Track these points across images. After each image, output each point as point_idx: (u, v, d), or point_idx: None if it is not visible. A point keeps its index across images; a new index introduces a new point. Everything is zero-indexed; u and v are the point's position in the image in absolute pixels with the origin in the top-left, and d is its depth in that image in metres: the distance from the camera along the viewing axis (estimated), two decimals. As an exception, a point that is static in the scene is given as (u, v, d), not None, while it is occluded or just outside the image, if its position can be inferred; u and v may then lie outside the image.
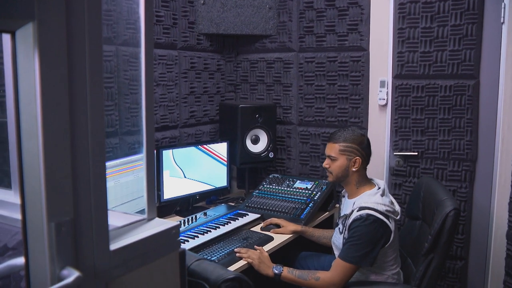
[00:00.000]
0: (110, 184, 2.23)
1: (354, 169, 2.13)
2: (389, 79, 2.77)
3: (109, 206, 2.22)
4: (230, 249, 2.20)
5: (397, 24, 2.69)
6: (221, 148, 2.90)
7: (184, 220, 2.47)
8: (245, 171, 3.10)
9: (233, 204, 2.89)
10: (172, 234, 1.02)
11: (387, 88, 2.76)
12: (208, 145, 2.84)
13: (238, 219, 2.55)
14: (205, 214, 2.61)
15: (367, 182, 2.19)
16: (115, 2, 2.34)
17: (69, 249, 0.79)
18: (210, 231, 2.37)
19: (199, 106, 3.04)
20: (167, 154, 2.62)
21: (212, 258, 2.10)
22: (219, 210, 2.73)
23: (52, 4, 0.75)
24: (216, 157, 2.87)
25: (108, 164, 2.21)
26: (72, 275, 0.76)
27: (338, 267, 1.99)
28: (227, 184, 2.96)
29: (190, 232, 2.35)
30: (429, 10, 2.60)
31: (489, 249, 2.63)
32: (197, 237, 2.29)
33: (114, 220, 0.98)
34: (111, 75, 2.40)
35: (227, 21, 3.00)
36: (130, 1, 0.99)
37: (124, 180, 2.30)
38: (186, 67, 2.91)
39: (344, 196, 2.30)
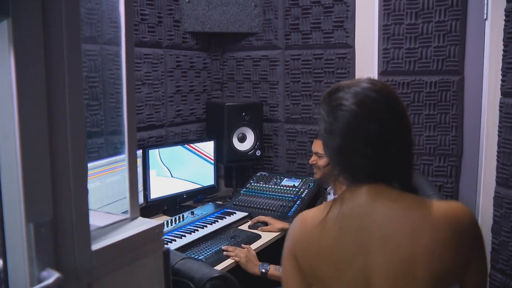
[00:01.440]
0: (95, 184, 2.21)
1: None
2: (375, 75, 2.77)
3: (95, 206, 2.20)
4: (218, 248, 2.19)
5: (382, 20, 2.70)
6: (208, 147, 2.89)
7: (172, 220, 2.46)
8: (232, 169, 3.09)
9: (220, 202, 2.88)
10: (155, 233, 1.01)
11: (373, 85, 2.77)
12: (195, 144, 2.83)
13: (225, 218, 2.55)
14: (192, 213, 2.60)
15: None
16: (98, 0, 2.32)
17: (49, 250, 0.78)
18: (197, 230, 2.36)
19: (185, 105, 3.03)
20: (154, 154, 2.60)
21: (200, 257, 2.10)
22: (207, 209, 2.72)
23: (27, 1, 0.74)
24: (203, 156, 2.86)
25: (93, 164, 2.20)
26: (52, 276, 0.75)
27: None
28: (215, 182, 2.95)
29: (178, 231, 2.34)
30: (414, 6, 2.61)
31: (475, 243, 2.65)
32: (184, 236, 2.28)
33: (96, 220, 0.96)
34: (95, 74, 2.38)
35: (213, 19, 2.98)
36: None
37: (109, 180, 2.28)
38: (172, 65, 2.90)
39: (329, 194, 2.31)
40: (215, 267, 2.03)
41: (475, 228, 0.98)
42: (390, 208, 0.95)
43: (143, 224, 1.01)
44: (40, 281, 0.75)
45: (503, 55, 2.34)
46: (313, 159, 2.21)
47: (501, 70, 2.36)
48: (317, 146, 2.19)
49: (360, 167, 0.99)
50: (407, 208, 0.95)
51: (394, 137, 0.99)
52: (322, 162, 2.15)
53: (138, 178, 1.06)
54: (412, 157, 1.05)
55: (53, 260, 0.79)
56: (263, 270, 2.04)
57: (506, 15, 2.30)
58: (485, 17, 2.50)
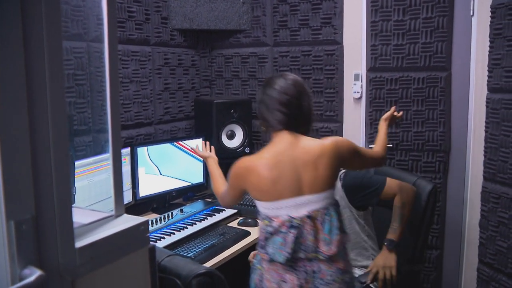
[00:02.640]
0: (83, 182, 2.19)
1: None
2: (363, 72, 2.78)
3: (83, 205, 2.19)
4: (207, 245, 2.19)
5: (370, 17, 2.71)
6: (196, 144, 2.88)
7: (161, 217, 2.45)
8: (221, 166, 3.07)
9: (210, 200, 2.87)
10: (140, 230, 1.00)
11: (361, 81, 2.78)
12: (183, 141, 2.82)
13: (215, 215, 2.54)
14: (181, 210, 2.59)
15: None
16: (84, -3, 2.30)
17: (31, 248, 0.77)
18: (186, 228, 2.36)
19: (174, 103, 3.01)
20: (142, 151, 2.59)
21: (189, 255, 2.09)
22: (196, 206, 2.71)
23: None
24: (192, 153, 2.85)
25: (81, 162, 2.18)
26: (34, 274, 0.74)
27: (392, 185, 2.09)
28: (204, 180, 2.95)
29: (167, 229, 2.33)
30: (401, 3, 2.62)
31: (463, 238, 2.67)
32: (174, 234, 2.27)
33: (81, 217, 0.96)
34: (82, 72, 2.35)
35: (201, 16, 2.97)
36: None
37: (97, 178, 2.27)
38: (160, 63, 2.88)
39: None
40: (204, 264, 2.03)
41: (348, 145, 1.73)
42: (303, 146, 1.64)
43: (128, 221, 1.00)
44: (21, 279, 0.74)
45: (489, 51, 2.36)
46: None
47: (488, 66, 2.38)
48: None
49: (281, 119, 1.68)
50: (311, 146, 1.65)
51: (299, 103, 1.70)
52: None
53: (124, 175, 1.05)
54: (311, 116, 1.76)
55: (36, 257, 0.78)
56: (392, 246, 2.05)
57: (492, 12, 2.32)
58: (471, 14, 2.52)
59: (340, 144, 1.70)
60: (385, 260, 2.02)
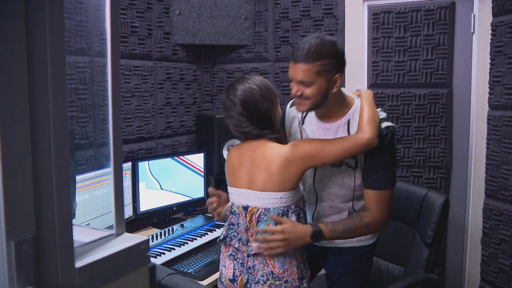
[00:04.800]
0: (84, 197, 2.19)
1: (335, 90, 1.67)
2: (364, 88, 2.79)
3: (84, 219, 2.18)
4: (207, 261, 2.18)
5: (371, 33, 2.72)
6: (198, 159, 2.88)
7: (161, 232, 2.44)
8: (222, 181, 3.07)
9: (210, 215, 2.86)
10: (141, 249, 0.99)
11: (363, 97, 2.78)
12: (184, 156, 2.82)
13: (215, 230, 2.53)
14: (182, 226, 2.58)
15: (344, 94, 1.78)
16: (88, 13, 2.32)
17: (31, 268, 0.77)
18: (187, 243, 2.35)
19: (175, 117, 3.02)
20: (143, 166, 2.59)
21: (189, 271, 2.08)
22: (197, 221, 2.70)
23: (9, 13, 0.73)
24: (193, 168, 2.85)
25: (82, 176, 2.18)
26: (33, 295, 0.73)
27: (381, 200, 1.70)
28: (204, 195, 2.94)
29: (167, 244, 2.32)
30: (402, 20, 2.64)
31: (465, 255, 2.66)
32: (174, 249, 2.26)
33: (81, 236, 0.95)
34: (85, 86, 2.36)
35: (203, 32, 2.99)
36: (103, 11, 0.97)
37: (99, 193, 2.27)
38: (162, 77, 2.89)
39: (302, 123, 1.88)
40: (204, 281, 2.02)
41: (300, 155, 1.61)
42: (261, 150, 1.64)
43: (128, 240, 0.99)
44: (21, 300, 0.74)
45: (490, 69, 2.37)
46: (296, 89, 1.67)
47: (489, 83, 2.38)
48: (302, 72, 1.63)
49: (247, 131, 1.66)
50: (269, 149, 1.63)
51: (265, 113, 1.64)
52: (312, 90, 1.64)
53: (124, 190, 1.05)
54: (271, 119, 1.68)
55: (35, 278, 0.78)
56: (315, 238, 1.67)
57: (492, 29, 2.33)
58: (472, 31, 2.53)
59: (296, 151, 1.60)
60: (295, 233, 1.63)
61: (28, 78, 0.77)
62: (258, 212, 1.64)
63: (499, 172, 2.31)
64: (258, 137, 1.67)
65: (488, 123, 2.39)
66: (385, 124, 1.67)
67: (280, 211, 1.63)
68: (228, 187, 1.76)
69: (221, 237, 1.72)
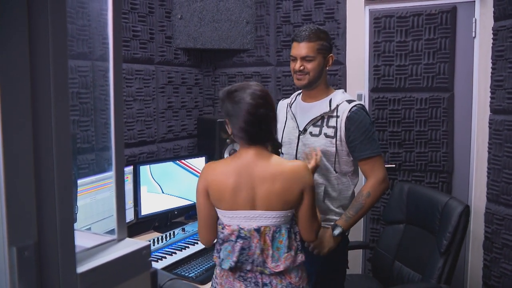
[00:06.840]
0: (86, 201, 2.19)
1: (327, 68, 2.06)
2: (366, 92, 2.79)
3: (86, 223, 2.18)
4: (208, 265, 2.18)
5: (373, 38, 2.73)
6: (199, 163, 2.88)
7: (162, 236, 2.44)
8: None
9: (212, 219, 2.86)
10: (143, 255, 0.99)
11: (364, 102, 2.78)
12: (186, 160, 2.82)
13: (216, 235, 2.53)
14: (183, 229, 2.58)
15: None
16: (90, 17, 2.33)
17: (33, 274, 0.76)
18: (188, 247, 2.34)
19: (177, 121, 3.02)
20: (145, 170, 2.59)
21: (190, 275, 2.08)
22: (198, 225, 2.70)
23: (12, 17, 0.74)
24: (195, 172, 2.85)
25: (84, 180, 2.18)
26: (35, 301, 0.73)
27: (376, 165, 1.97)
28: (206, 199, 2.93)
29: (168, 248, 2.32)
30: (404, 24, 2.64)
31: (466, 259, 2.65)
32: (175, 253, 2.26)
33: (82, 241, 0.95)
34: (87, 90, 2.37)
35: (205, 36, 3.00)
36: (105, 16, 0.97)
37: (100, 196, 2.27)
38: (164, 81, 2.90)
39: (292, 103, 2.18)
40: (206, 285, 2.01)
41: (306, 175, 1.63)
42: (264, 164, 1.61)
43: (130, 245, 0.99)
44: (22, 306, 0.74)
45: (491, 73, 2.37)
46: (299, 64, 2.00)
47: (490, 87, 2.39)
48: (307, 49, 1.98)
49: (252, 134, 1.62)
50: (272, 164, 1.62)
51: (270, 118, 1.64)
52: (313, 65, 1.99)
53: (126, 194, 1.04)
54: (275, 132, 1.74)
55: (37, 284, 0.78)
56: (337, 233, 1.94)
57: (493, 34, 2.33)
58: (473, 35, 2.53)
59: (300, 172, 1.63)
60: (324, 242, 1.94)
61: (30, 82, 0.77)
62: (271, 231, 1.62)
63: (501, 176, 2.30)
64: (258, 143, 1.64)
65: (489, 127, 2.39)
66: (353, 104, 1.98)
67: (288, 227, 1.65)
68: (224, 211, 1.65)
69: (232, 264, 1.61)
